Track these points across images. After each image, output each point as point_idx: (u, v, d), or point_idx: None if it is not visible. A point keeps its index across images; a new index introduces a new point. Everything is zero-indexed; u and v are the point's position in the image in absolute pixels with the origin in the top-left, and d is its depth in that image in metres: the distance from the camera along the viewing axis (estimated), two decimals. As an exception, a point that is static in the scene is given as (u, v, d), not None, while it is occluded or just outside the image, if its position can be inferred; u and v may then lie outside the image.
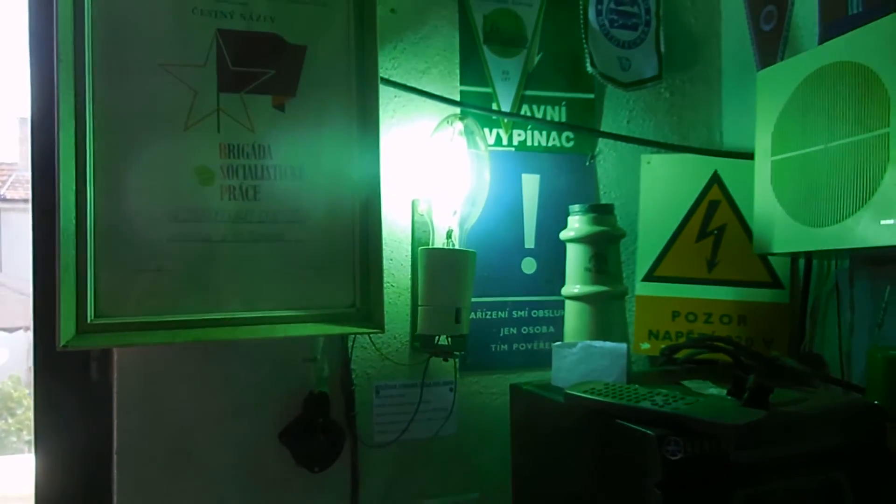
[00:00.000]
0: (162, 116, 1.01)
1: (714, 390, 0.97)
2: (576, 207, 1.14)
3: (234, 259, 1.03)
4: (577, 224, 1.14)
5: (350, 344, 1.14)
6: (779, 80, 1.08)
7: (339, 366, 1.14)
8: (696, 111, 1.39)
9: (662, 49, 1.34)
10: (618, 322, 1.13)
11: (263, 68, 1.06)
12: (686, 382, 1.03)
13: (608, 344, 1.04)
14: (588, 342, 1.06)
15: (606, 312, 1.11)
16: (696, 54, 1.39)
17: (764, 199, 1.09)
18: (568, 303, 1.15)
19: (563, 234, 1.15)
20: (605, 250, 1.12)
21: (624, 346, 1.03)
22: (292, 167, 1.07)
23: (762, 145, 1.10)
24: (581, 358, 1.05)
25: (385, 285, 1.09)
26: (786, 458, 0.84)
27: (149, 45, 1.01)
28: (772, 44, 1.26)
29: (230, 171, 1.04)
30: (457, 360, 1.17)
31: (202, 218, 1.02)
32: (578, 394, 0.92)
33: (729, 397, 0.90)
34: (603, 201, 1.31)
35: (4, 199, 9.09)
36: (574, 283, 1.13)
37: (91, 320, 0.96)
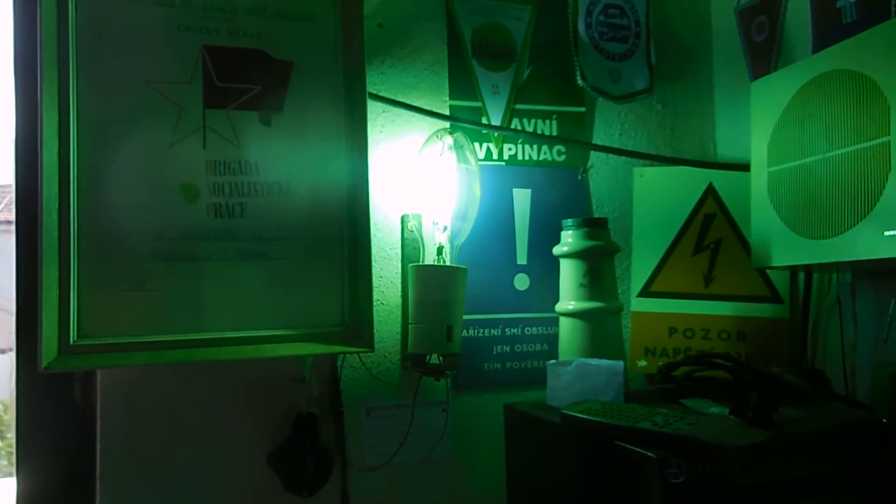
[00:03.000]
0: (147, 133, 1.00)
1: (715, 410, 0.94)
2: (569, 222, 1.12)
3: (220, 277, 1.01)
4: (570, 239, 1.12)
5: (339, 363, 1.11)
6: (774, 91, 1.06)
7: (328, 386, 1.11)
8: (689, 123, 1.37)
9: (653, 61, 1.33)
10: (614, 339, 1.10)
11: (250, 84, 1.05)
12: (686, 401, 1.00)
13: (604, 362, 1.01)
14: (583, 360, 1.03)
15: (602, 329, 1.08)
16: (688, 66, 1.38)
17: (761, 212, 1.07)
18: (562, 319, 1.12)
19: (557, 250, 1.13)
20: (600, 265, 1.09)
21: (620, 363, 1.01)
22: (279, 183, 1.05)
23: (758, 156, 1.08)
24: (576, 376, 1.03)
25: (375, 303, 1.07)
26: (791, 480, 0.81)
27: (134, 63, 1.00)
28: (765, 54, 1.25)
29: (216, 188, 1.02)
30: (449, 379, 1.14)
31: (188, 236, 1.01)
32: (575, 414, 0.89)
33: (731, 417, 0.88)
34: (596, 215, 1.30)
35: (1, 222, 9.05)
36: (568, 300, 1.11)
37: (74, 341, 0.94)
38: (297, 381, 1.08)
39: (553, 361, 1.05)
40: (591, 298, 1.09)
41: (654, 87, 1.33)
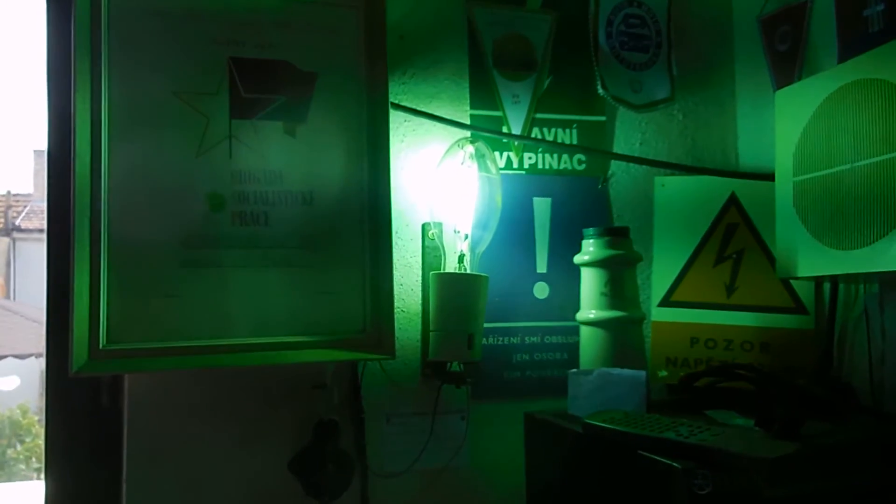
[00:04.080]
0: (175, 143, 1.02)
1: (740, 421, 0.93)
2: (590, 231, 1.12)
3: (244, 284, 1.03)
4: (591, 248, 1.12)
5: (360, 370, 1.12)
6: (799, 100, 1.06)
7: (348, 393, 1.12)
8: (710, 133, 1.36)
9: (675, 70, 1.33)
10: (636, 348, 1.10)
11: (275, 95, 1.06)
12: (710, 413, 0.99)
13: (626, 371, 1.01)
14: (605, 369, 1.03)
15: (624, 338, 1.08)
16: (709, 75, 1.37)
17: (786, 222, 1.06)
18: (583, 328, 1.12)
19: (578, 259, 1.13)
20: (622, 275, 1.09)
21: (643, 373, 1.00)
22: (302, 192, 1.06)
23: (783, 166, 1.08)
24: (598, 386, 1.02)
25: (395, 310, 1.08)
26: (819, 495, 0.79)
27: (163, 74, 1.02)
28: (788, 63, 1.25)
29: (241, 197, 1.04)
30: (468, 387, 1.14)
31: (214, 244, 1.02)
32: (597, 423, 0.88)
33: (757, 429, 0.87)
34: (616, 224, 1.29)
35: (20, 230, 9.22)
36: (589, 309, 1.11)
37: (103, 346, 0.96)
38: (318, 388, 1.09)
39: (574, 371, 1.05)
40: (612, 307, 1.08)
41: (676, 97, 1.33)
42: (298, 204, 1.06)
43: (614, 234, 1.10)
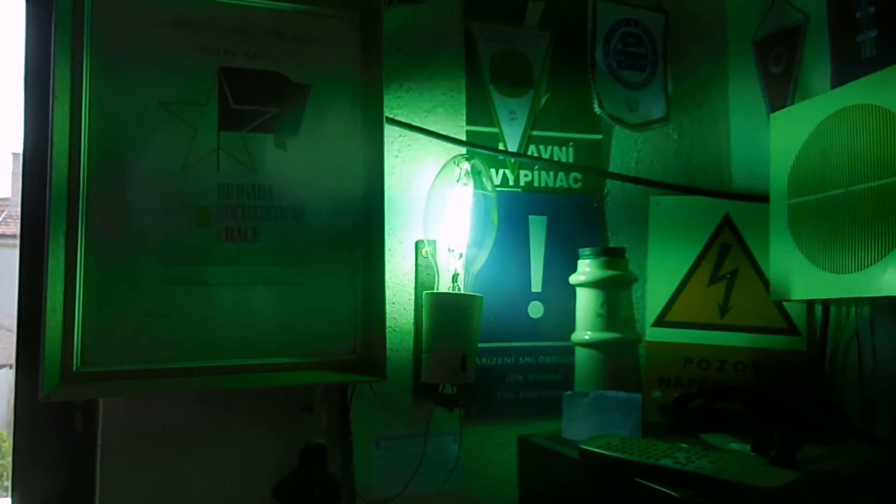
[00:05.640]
0: (159, 155, 0.98)
1: (736, 446, 0.92)
2: (586, 251, 1.11)
3: (230, 303, 0.99)
4: (587, 268, 1.10)
5: (349, 392, 1.09)
6: (794, 123, 1.05)
7: (337, 415, 1.09)
8: (705, 153, 1.36)
9: (670, 90, 1.33)
10: (631, 370, 1.08)
11: (266, 107, 1.04)
12: (706, 437, 0.98)
13: (622, 394, 0.99)
14: (601, 392, 1.01)
15: (619, 360, 1.07)
16: (704, 95, 1.37)
17: (781, 244, 1.06)
18: (578, 350, 1.10)
19: (574, 279, 1.12)
20: (618, 296, 1.08)
21: (638, 396, 0.99)
22: (293, 208, 1.04)
23: (777, 188, 1.07)
24: (593, 408, 1.01)
25: (387, 330, 1.06)
26: (818, 524, 0.79)
27: (149, 83, 0.99)
28: (782, 86, 1.25)
29: (229, 212, 1.01)
30: (461, 409, 1.11)
31: (198, 260, 0.99)
32: (594, 449, 0.87)
33: (753, 454, 0.86)
34: (611, 244, 1.28)
35: (-1, 235, 8.97)
36: (585, 330, 1.09)
37: (77, 368, 0.92)
38: (305, 411, 1.06)
39: (570, 393, 1.03)
40: (608, 329, 1.07)
41: (671, 116, 1.32)
42: (289, 219, 1.03)
43: (610, 255, 1.09)
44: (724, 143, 1.37)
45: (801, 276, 1.02)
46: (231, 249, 1.00)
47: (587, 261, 1.10)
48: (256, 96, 1.03)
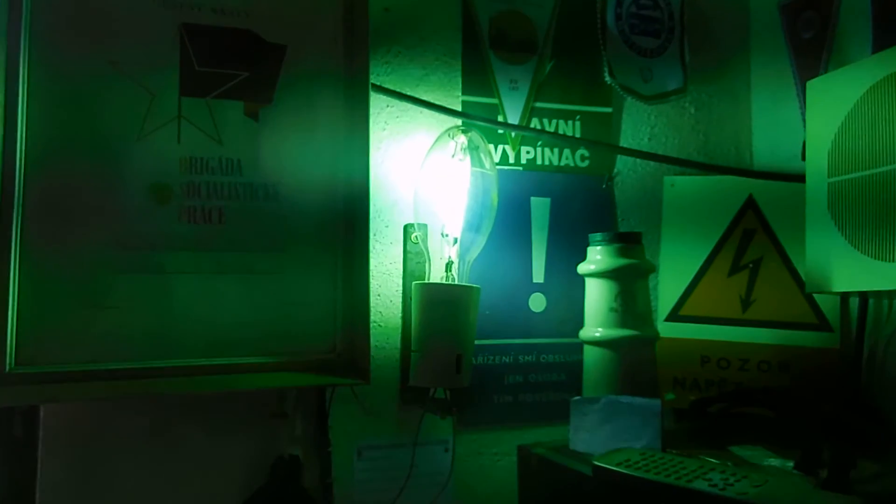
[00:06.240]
0: (111, 123, 0.87)
1: (775, 462, 0.80)
2: (597, 237, 0.98)
3: (193, 294, 0.89)
4: (598, 256, 0.98)
5: (328, 396, 0.97)
6: (835, 91, 0.93)
7: (313, 423, 0.97)
8: (724, 128, 1.25)
9: (687, 59, 1.20)
10: (649, 372, 0.96)
11: (235, 70, 0.93)
12: (735, 450, 0.86)
13: (638, 399, 0.88)
14: (614, 397, 0.90)
15: (635, 361, 0.95)
16: (724, 66, 1.25)
17: (819, 229, 0.94)
18: (588, 349, 0.98)
19: (583, 268, 0.99)
20: (634, 287, 0.96)
21: (657, 402, 0.87)
22: (266, 186, 0.93)
23: (815, 165, 0.95)
24: (605, 416, 0.89)
25: (371, 325, 0.95)
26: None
27: (98, 40, 0.87)
28: (813, 53, 1.13)
29: (191, 190, 0.90)
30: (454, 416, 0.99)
31: (156, 245, 0.88)
32: (611, 467, 0.75)
33: (797, 473, 0.74)
34: (621, 229, 1.16)
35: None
36: (596, 326, 0.97)
37: (11, 369, 0.80)
38: (277, 417, 0.94)
39: (578, 398, 0.92)
40: (623, 325, 0.95)
41: (688, 88, 1.20)
42: (260, 199, 0.92)
43: (626, 241, 0.97)
44: (744, 119, 1.26)
45: (843, 265, 0.90)
46: (194, 233, 0.89)
47: (598, 247, 0.98)
48: (224, 58, 0.92)
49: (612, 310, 0.95)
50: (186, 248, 0.88)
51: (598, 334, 0.96)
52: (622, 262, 0.96)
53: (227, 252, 0.90)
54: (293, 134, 0.94)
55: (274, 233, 0.92)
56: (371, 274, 0.95)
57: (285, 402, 0.95)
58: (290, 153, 0.94)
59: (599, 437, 0.89)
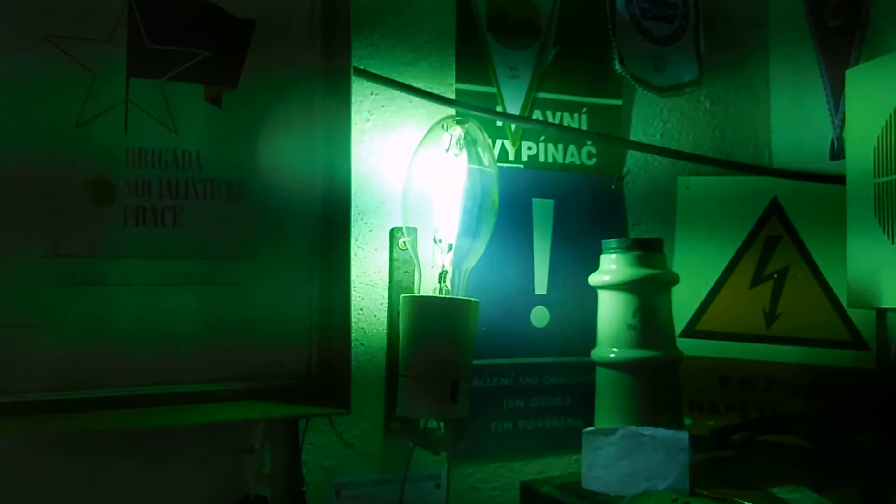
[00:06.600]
0: (43, 108, 0.75)
1: (828, 510, 0.69)
2: (612, 243, 0.87)
3: (139, 310, 0.77)
4: (614, 265, 0.86)
5: (302, 427, 0.84)
6: (881, 81, 0.83)
7: (285, 458, 0.84)
8: (742, 125, 1.14)
9: (703, 48, 1.09)
10: (671, 399, 0.85)
11: (194, 48, 0.81)
12: (777, 491, 0.75)
13: (662, 431, 0.77)
14: (633, 428, 0.78)
15: (657, 386, 0.83)
16: (742, 57, 1.15)
17: (863, 235, 0.84)
18: (601, 371, 0.86)
19: (596, 279, 0.87)
20: (655, 301, 0.84)
21: (685, 435, 0.76)
22: (229, 183, 0.82)
23: (857, 164, 0.85)
24: (624, 450, 0.78)
25: (353, 345, 0.83)
26: None
27: (31, 10, 0.75)
28: (843, 41, 1.03)
29: (140, 187, 0.78)
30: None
31: (96, 251, 0.76)
32: (641, 519, 0.62)
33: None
34: (632, 235, 1.05)
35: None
36: (611, 345, 0.85)
37: None
38: (243, 453, 0.82)
39: (591, 430, 0.80)
40: (643, 345, 0.83)
41: (703, 80, 1.09)
42: (223, 198, 0.81)
43: (646, 248, 0.85)
44: (762, 115, 1.15)
45: (894, 277, 0.79)
46: (142, 237, 0.77)
47: (614, 255, 0.86)
48: (181, 33, 0.80)
49: (630, 327, 0.83)
50: (133, 255, 0.77)
51: (613, 355, 0.84)
52: (642, 272, 0.84)
53: (183, 260, 0.79)
54: (262, 123, 0.83)
55: (239, 238, 0.80)
56: (352, 285, 0.82)
57: (252, 434, 0.83)
58: (258, 145, 0.82)
59: (616, 474, 0.78)
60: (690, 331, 1.05)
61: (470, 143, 0.87)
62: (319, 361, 0.81)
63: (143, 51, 0.78)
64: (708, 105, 1.12)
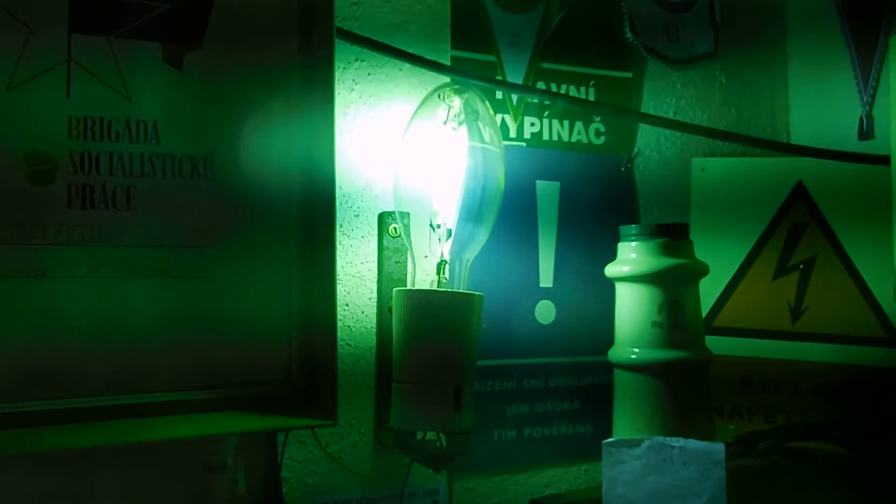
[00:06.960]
0: None
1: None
2: (632, 229, 0.78)
3: (87, 307, 0.66)
4: (634, 255, 0.77)
5: (282, 440, 0.74)
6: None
7: (262, 475, 0.74)
8: (758, 102, 1.07)
9: (718, 18, 1.01)
10: (703, 406, 0.76)
11: (150, 0, 0.70)
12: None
13: (694, 443, 0.68)
14: (660, 439, 0.69)
15: (687, 391, 0.74)
16: (759, 28, 1.07)
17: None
18: (620, 374, 0.77)
19: (614, 270, 0.78)
20: (682, 295, 0.75)
21: (721, 446, 0.67)
22: (193, 159, 0.71)
23: (905, 141, 0.77)
24: (650, 464, 0.69)
25: (339, 346, 0.74)
26: None
27: None
28: (871, 11, 0.96)
29: (86, 163, 0.67)
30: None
31: (33, 238, 0.64)
32: (684, 552, 0.53)
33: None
34: (644, 221, 0.97)
35: None
36: (632, 345, 0.76)
37: None
38: (214, 470, 0.71)
39: (612, 441, 0.70)
40: (669, 345, 0.74)
41: (718, 53, 1.01)
42: (185, 176, 0.70)
43: (671, 235, 0.76)
44: (780, 92, 1.08)
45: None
46: (90, 221, 0.66)
47: (634, 243, 0.77)
48: None
49: (654, 324, 0.74)
50: (79, 242, 0.65)
51: (634, 356, 0.75)
52: (669, 262, 0.75)
53: (138, 248, 0.67)
54: (231, 90, 0.72)
55: (203, 223, 0.70)
56: (338, 278, 0.72)
57: (224, 449, 0.72)
58: (225, 115, 0.71)
59: (642, 492, 0.68)
60: (707, 327, 0.96)
61: (471, 115, 0.76)
62: (300, 365, 0.70)
63: (88, 1, 0.67)
64: (724, 80, 1.04)
